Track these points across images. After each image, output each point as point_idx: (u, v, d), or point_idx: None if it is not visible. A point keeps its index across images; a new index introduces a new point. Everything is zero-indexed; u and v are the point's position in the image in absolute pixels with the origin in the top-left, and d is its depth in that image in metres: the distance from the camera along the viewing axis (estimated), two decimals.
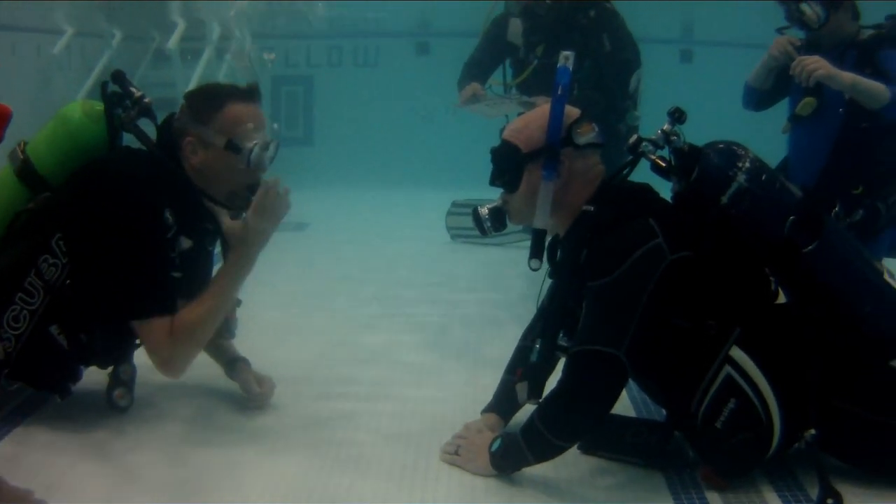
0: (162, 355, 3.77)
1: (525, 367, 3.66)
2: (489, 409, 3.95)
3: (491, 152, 3.68)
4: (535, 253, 3.59)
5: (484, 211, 3.73)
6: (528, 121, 3.66)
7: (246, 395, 4.23)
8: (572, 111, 3.59)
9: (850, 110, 5.01)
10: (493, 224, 3.73)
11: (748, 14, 9.64)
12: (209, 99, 3.93)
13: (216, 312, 3.87)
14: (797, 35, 5.28)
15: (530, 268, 3.61)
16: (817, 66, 4.82)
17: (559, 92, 3.51)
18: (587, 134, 3.56)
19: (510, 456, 3.51)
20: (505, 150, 3.62)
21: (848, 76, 4.83)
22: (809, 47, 5.17)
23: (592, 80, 6.37)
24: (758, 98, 5.52)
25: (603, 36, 6.40)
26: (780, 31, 5.35)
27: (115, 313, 3.79)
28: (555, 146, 3.50)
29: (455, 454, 3.68)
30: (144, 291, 3.75)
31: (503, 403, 3.93)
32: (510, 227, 7.33)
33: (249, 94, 3.96)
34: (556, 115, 3.51)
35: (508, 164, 3.61)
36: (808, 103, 5.04)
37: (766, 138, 3.85)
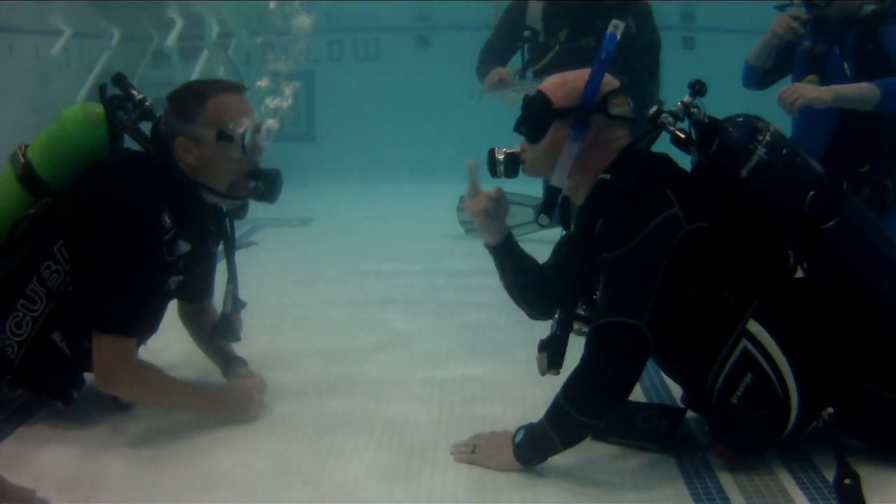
0: (102, 370, 3.73)
1: (544, 340, 3.65)
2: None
3: (524, 98, 3.64)
4: (547, 209, 3.57)
5: (500, 154, 3.68)
6: (568, 78, 3.62)
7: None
8: (611, 80, 3.57)
9: None
10: (506, 169, 3.68)
11: (749, 1, 9.59)
12: (191, 96, 3.91)
13: (160, 403, 3.97)
14: (798, 11, 5.25)
15: (538, 224, 3.62)
16: (796, 95, 4.80)
17: (603, 57, 3.47)
18: (620, 106, 3.54)
19: (536, 445, 3.46)
20: (538, 101, 3.58)
21: (827, 92, 4.80)
22: (815, 24, 5.14)
23: (619, 64, 6.28)
24: (759, 77, 5.50)
25: (629, 18, 6.29)
26: (780, 7, 5.32)
27: (85, 317, 3.77)
28: (587, 109, 3.47)
29: (472, 453, 3.62)
30: (116, 307, 3.72)
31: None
32: (522, 218, 7.33)
33: (229, 84, 3.96)
34: (596, 78, 3.49)
35: (537, 115, 3.57)
36: (811, 80, 5.01)
37: (771, 120, 3.84)
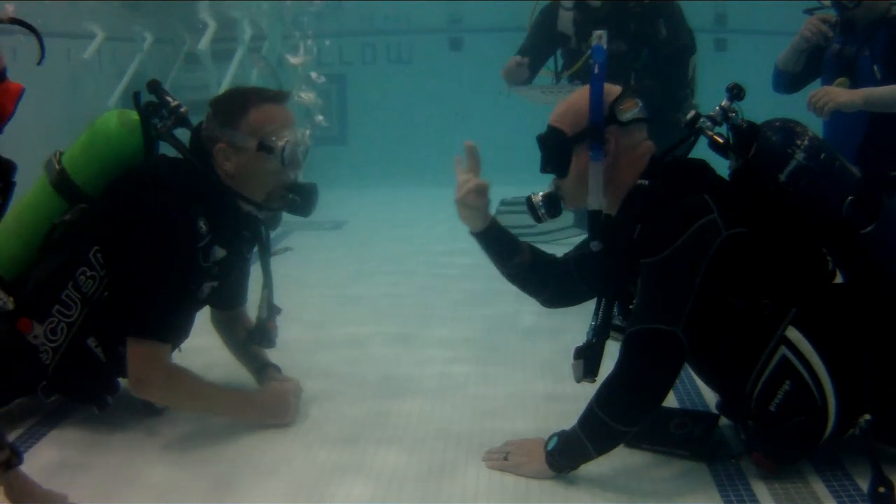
0: (136, 376, 3.75)
1: (579, 347, 3.61)
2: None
3: (538, 140, 3.64)
4: (594, 234, 3.58)
5: (537, 198, 3.69)
6: (571, 104, 3.61)
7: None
8: (613, 89, 3.55)
9: None
10: (547, 210, 3.69)
11: (781, 2, 9.56)
12: (235, 103, 3.91)
13: (195, 407, 3.98)
14: (828, 14, 5.25)
15: (591, 249, 3.61)
16: (826, 99, 4.80)
17: (596, 71, 3.47)
18: (630, 110, 3.53)
19: (569, 452, 3.44)
20: (551, 136, 3.59)
21: (858, 95, 4.82)
22: (843, 26, 5.12)
23: (650, 69, 6.25)
24: (789, 81, 5.49)
25: (659, 22, 6.29)
26: (808, 11, 5.31)
27: (119, 323, 3.78)
28: (598, 125, 3.46)
29: (504, 460, 3.61)
30: (150, 313, 3.74)
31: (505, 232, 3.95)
32: (561, 222, 7.32)
33: (274, 94, 3.95)
34: (597, 94, 3.47)
35: (556, 149, 3.57)
36: (841, 83, 5.00)
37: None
